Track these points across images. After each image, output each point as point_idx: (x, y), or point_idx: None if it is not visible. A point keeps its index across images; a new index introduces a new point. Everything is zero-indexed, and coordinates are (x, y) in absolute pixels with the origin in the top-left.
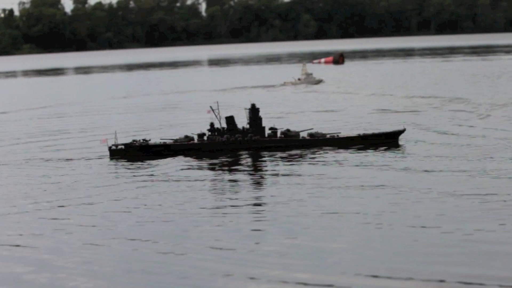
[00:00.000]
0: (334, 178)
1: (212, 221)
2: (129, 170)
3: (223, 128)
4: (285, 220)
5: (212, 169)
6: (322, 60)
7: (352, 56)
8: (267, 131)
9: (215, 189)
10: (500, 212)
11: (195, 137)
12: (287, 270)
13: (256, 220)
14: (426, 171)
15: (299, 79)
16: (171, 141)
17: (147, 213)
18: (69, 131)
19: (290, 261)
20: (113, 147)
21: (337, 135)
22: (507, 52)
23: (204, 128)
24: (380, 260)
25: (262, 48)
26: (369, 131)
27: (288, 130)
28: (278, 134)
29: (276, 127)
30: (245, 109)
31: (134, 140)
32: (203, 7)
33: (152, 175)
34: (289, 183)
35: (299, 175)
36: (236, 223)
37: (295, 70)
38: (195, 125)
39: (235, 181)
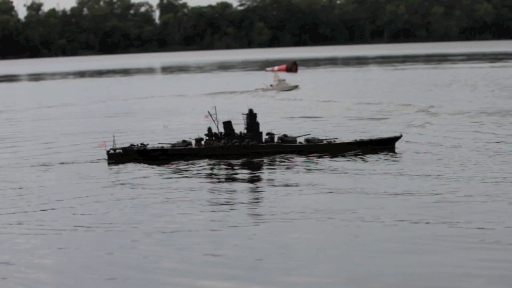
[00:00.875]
0: (329, 183)
1: (208, 226)
2: (126, 174)
3: (221, 133)
4: (276, 225)
5: (206, 174)
6: (275, 68)
7: (305, 64)
8: (264, 136)
9: (208, 194)
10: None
11: (193, 142)
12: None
13: (248, 225)
14: (421, 176)
15: (271, 85)
16: (169, 145)
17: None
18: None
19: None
20: (111, 151)
21: (334, 141)
22: (460, 60)
23: (202, 133)
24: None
25: (216, 56)
26: (366, 137)
27: (285, 136)
28: (275, 140)
29: (273, 132)
30: (243, 114)
31: (132, 144)
32: (156, 14)
33: (146, 179)
34: (282, 188)
35: (294, 180)
36: (230, 227)
37: (250, 78)
38: (150, 133)
39: (228, 186)
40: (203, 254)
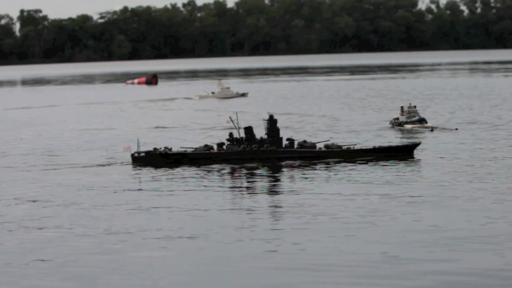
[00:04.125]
0: (346, 189)
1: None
2: (149, 177)
3: (242, 138)
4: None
5: (225, 177)
6: (135, 80)
7: (165, 76)
8: (284, 142)
9: (223, 197)
10: None
11: (215, 146)
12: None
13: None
14: (443, 185)
15: (212, 93)
16: (192, 149)
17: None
18: None
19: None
20: (136, 154)
21: (353, 147)
22: (320, 73)
23: (223, 138)
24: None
25: (77, 69)
26: (384, 144)
27: (304, 141)
28: (295, 145)
29: (293, 138)
30: (263, 120)
31: (155, 148)
32: (17, 27)
33: (169, 181)
34: (299, 192)
35: (311, 185)
36: (248, 231)
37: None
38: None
39: (245, 189)
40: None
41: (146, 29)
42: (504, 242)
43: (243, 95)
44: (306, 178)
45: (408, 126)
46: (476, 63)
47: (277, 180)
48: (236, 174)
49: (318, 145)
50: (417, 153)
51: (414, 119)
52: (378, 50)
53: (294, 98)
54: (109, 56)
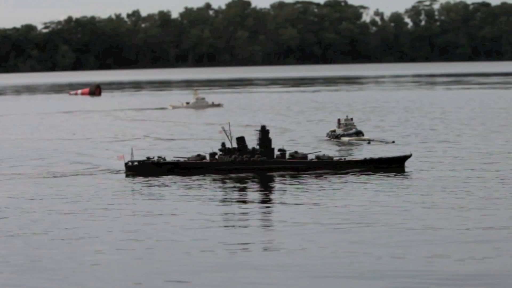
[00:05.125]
0: (335, 201)
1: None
2: (141, 185)
3: (234, 148)
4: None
5: (211, 186)
6: (79, 91)
7: (109, 87)
8: (276, 152)
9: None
10: None
11: (207, 156)
12: None
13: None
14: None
15: (187, 103)
16: (185, 159)
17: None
18: None
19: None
20: (130, 163)
21: (344, 158)
22: (264, 85)
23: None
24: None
25: (21, 79)
26: (376, 156)
27: (295, 152)
28: (287, 156)
29: (285, 148)
30: (255, 130)
31: (148, 157)
32: None
33: (158, 190)
34: (282, 204)
35: (298, 197)
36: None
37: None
38: None
39: (231, 199)
40: None
41: (90, 39)
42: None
43: (218, 105)
44: (294, 188)
45: (345, 139)
46: (420, 75)
47: (265, 190)
48: (223, 185)
49: (310, 156)
50: (408, 165)
51: (351, 131)
52: (322, 62)
53: (235, 109)
54: (53, 67)
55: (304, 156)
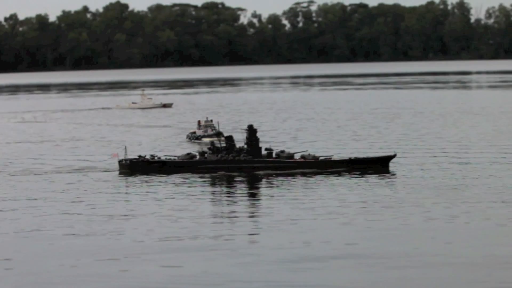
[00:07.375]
0: (319, 200)
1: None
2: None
3: (223, 147)
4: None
5: (196, 184)
6: None
7: None
8: (263, 152)
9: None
10: None
11: (197, 155)
12: None
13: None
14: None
15: (133, 103)
16: (175, 158)
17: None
18: None
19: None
20: (123, 161)
21: (330, 158)
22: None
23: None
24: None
25: None
26: (361, 156)
27: (282, 151)
28: (273, 155)
29: (272, 148)
30: (242, 129)
31: (139, 156)
32: None
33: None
34: (270, 199)
35: (282, 195)
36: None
37: None
38: None
39: (214, 197)
40: None
41: None
42: None
43: (167, 105)
44: (279, 187)
45: (206, 140)
46: (298, 77)
47: (250, 188)
48: (208, 182)
49: (296, 156)
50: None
51: (211, 133)
52: (200, 64)
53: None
54: None
55: (291, 156)
